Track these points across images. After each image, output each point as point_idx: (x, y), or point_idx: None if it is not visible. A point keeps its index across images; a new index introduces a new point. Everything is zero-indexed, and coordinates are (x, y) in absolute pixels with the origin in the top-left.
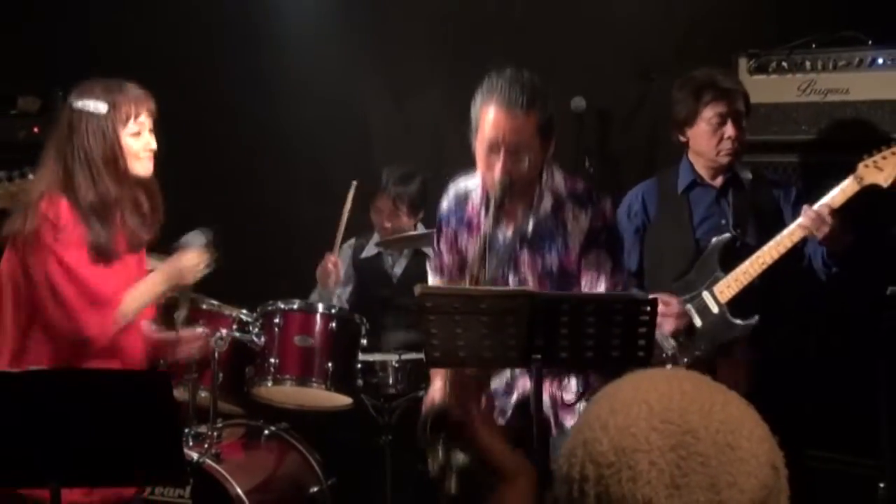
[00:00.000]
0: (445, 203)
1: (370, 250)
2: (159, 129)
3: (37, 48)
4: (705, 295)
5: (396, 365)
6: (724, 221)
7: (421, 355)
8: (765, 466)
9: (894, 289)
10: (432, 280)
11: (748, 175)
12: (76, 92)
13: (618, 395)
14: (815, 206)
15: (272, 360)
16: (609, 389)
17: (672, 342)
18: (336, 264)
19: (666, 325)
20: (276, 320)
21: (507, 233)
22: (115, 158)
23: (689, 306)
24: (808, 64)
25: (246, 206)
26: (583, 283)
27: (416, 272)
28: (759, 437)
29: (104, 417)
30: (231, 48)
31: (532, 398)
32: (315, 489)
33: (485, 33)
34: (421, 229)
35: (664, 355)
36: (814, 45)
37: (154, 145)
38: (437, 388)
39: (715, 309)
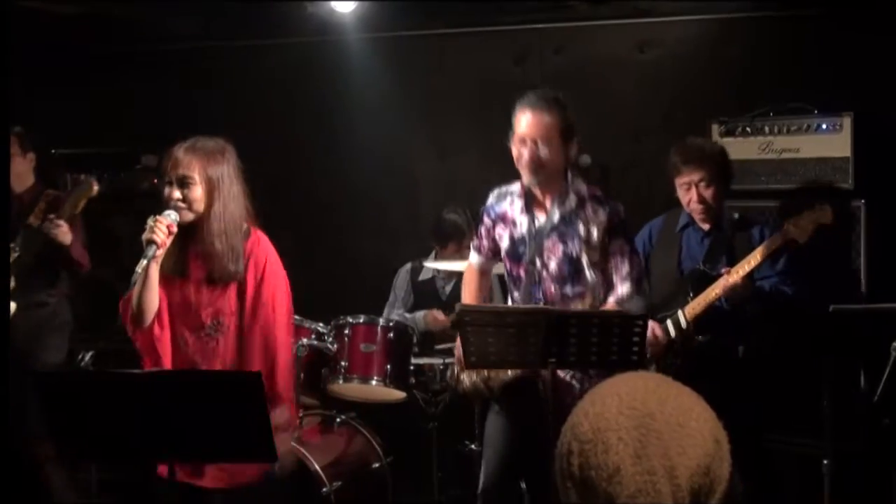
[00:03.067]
0: (490, 199)
1: (426, 273)
2: (257, 183)
3: (156, 113)
4: (679, 314)
5: (441, 367)
6: (700, 258)
7: None
8: (708, 440)
9: (836, 307)
10: (472, 257)
11: (734, 217)
12: None
13: (599, 390)
14: (733, 271)
15: (343, 363)
16: (597, 387)
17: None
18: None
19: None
20: (346, 331)
21: (539, 220)
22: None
23: (668, 321)
24: (766, 129)
25: (323, 244)
26: (611, 264)
27: (459, 291)
28: (704, 418)
29: (211, 408)
30: (311, 117)
31: (549, 392)
32: (377, 465)
33: (509, 102)
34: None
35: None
36: (771, 114)
37: (175, 195)
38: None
39: (684, 324)
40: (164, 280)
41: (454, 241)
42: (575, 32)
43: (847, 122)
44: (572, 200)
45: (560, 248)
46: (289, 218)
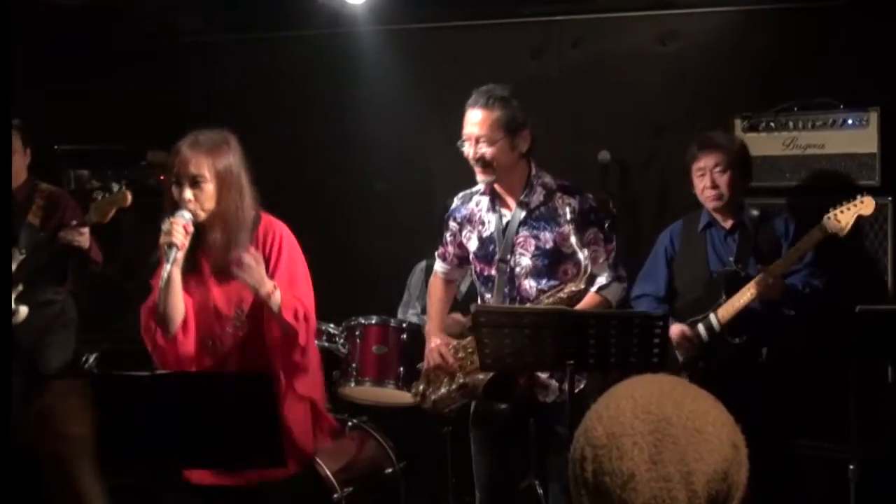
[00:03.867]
0: (454, 202)
1: None
2: (266, 180)
3: (161, 108)
4: (711, 316)
5: None
6: (731, 258)
7: None
8: (725, 445)
9: (862, 307)
10: (437, 266)
11: (754, 214)
12: None
13: (614, 393)
14: (770, 269)
15: (354, 365)
16: (611, 390)
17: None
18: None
19: (678, 350)
20: (358, 332)
21: (506, 216)
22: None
23: (699, 325)
24: (791, 124)
25: (334, 241)
26: (586, 253)
27: (475, 291)
28: (721, 422)
29: (218, 410)
30: (322, 112)
31: (567, 396)
32: (389, 470)
33: (526, 95)
34: None
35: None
36: (796, 109)
37: (187, 196)
38: (430, 347)
39: (717, 328)
40: (187, 295)
41: None
42: (594, 24)
43: (874, 117)
44: (539, 193)
45: (532, 242)
46: (298, 215)
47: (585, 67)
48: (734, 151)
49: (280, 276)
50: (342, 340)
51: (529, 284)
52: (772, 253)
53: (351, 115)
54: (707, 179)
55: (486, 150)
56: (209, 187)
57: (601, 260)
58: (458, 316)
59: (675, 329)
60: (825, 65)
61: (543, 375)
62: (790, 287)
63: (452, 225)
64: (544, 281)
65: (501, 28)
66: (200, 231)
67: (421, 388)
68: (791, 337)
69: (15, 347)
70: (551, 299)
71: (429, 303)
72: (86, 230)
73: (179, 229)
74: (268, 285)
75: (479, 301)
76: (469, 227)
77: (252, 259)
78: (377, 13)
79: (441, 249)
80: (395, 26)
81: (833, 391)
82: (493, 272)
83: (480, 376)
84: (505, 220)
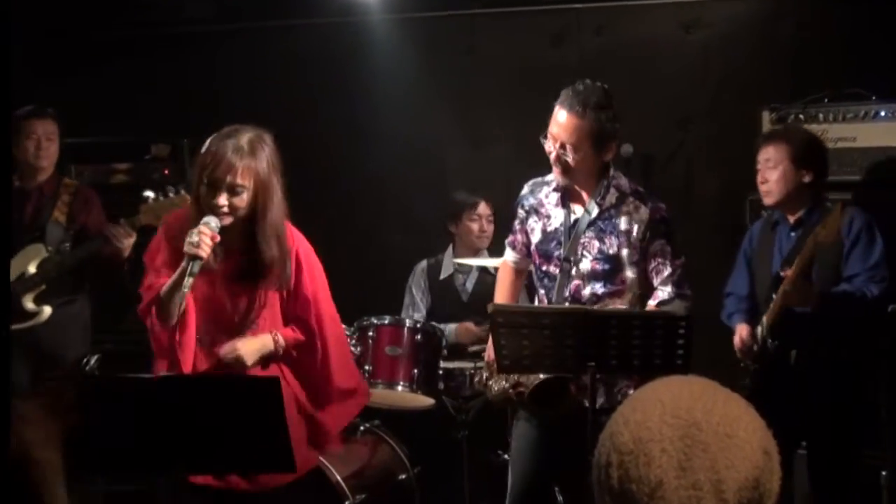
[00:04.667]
0: (524, 189)
1: (446, 270)
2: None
3: (167, 101)
4: (763, 319)
5: (472, 371)
6: (781, 256)
7: None
8: (757, 451)
9: (894, 306)
10: (507, 254)
11: (828, 207)
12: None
13: (639, 396)
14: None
15: (367, 367)
16: (637, 393)
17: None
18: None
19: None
20: (370, 333)
21: (575, 214)
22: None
23: (759, 328)
24: (821, 116)
25: (344, 235)
26: (650, 266)
27: (482, 290)
28: (753, 428)
29: (224, 414)
30: (333, 104)
31: (589, 398)
32: (403, 476)
33: (545, 87)
34: (487, 256)
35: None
36: (826, 100)
37: (222, 202)
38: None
39: (760, 331)
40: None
41: (467, 211)
42: (616, 12)
43: None
44: (612, 195)
45: (596, 244)
46: (308, 211)
47: (607, 57)
48: (793, 145)
49: (300, 292)
50: (354, 341)
51: (587, 288)
52: (832, 251)
53: (363, 108)
54: (760, 174)
55: (569, 157)
56: (246, 196)
57: (665, 273)
58: (470, 325)
59: (737, 331)
60: (856, 54)
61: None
62: (831, 294)
63: (520, 212)
64: (600, 286)
65: (519, 16)
66: (228, 232)
67: (485, 376)
68: (816, 339)
69: (32, 347)
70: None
71: (497, 289)
72: (133, 234)
73: (207, 241)
74: (265, 350)
75: (536, 299)
76: (535, 217)
77: (234, 354)
78: (390, 1)
79: (511, 237)
80: (409, 14)
81: (865, 394)
82: (554, 270)
83: (534, 378)
84: (573, 218)
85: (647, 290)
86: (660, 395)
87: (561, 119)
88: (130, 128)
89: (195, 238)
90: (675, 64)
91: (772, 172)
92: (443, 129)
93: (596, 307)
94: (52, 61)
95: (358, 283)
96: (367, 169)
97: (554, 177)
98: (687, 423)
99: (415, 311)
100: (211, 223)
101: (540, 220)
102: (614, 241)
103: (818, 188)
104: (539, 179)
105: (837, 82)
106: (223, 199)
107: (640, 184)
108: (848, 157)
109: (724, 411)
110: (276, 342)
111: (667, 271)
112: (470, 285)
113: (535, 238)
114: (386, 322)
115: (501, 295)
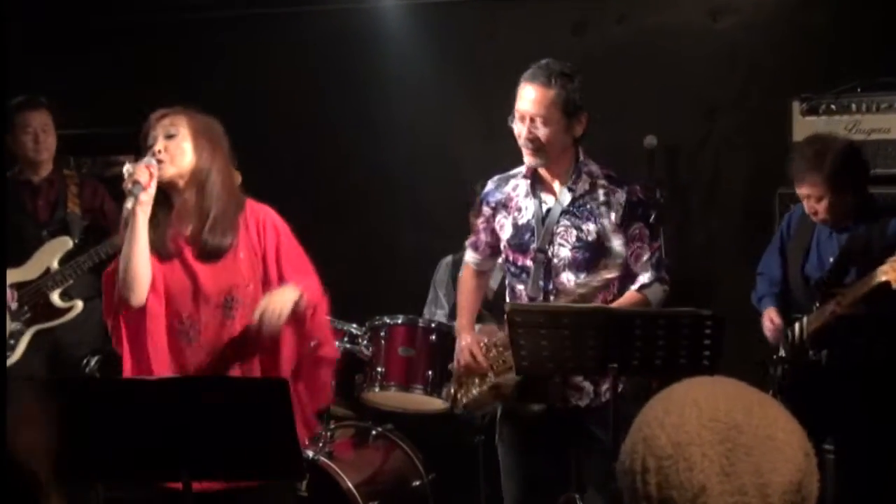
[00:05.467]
0: (489, 185)
1: None
2: (282, 166)
3: (168, 90)
4: (804, 320)
5: None
6: (831, 258)
7: None
8: (798, 453)
9: None
10: (468, 256)
11: (877, 207)
12: None
13: (671, 397)
14: (841, 300)
15: (379, 369)
16: (662, 394)
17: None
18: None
19: (769, 336)
20: (383, 333)
21: (547, 204)
22: None
23: (796, 324)
24: (853, 106)
25: (355, 232)
26: (629, 250)
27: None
28: (791, 429)
29: (231, 419)
30: (343, 93)
31: (610, 401)
32: (417, 483)
33: None
34: None
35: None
36: (859, 90)
37: (157, 147)
38: (461, 345)
39: (798, 334)
40: (157, 262)
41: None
42: None
43: None
44: (584, 182)
45: (573, 233)
46: (318, 206)
47: (631, 45)
48: (832, 171)
49: (287, 264)
50: (366, 342)
51: (567, 277)
52: (882, 256)
53: (375, 98)
54: (807, 205)
55: (540, 132)
56: (184, 144)
57: (644, 258)
58: (492, 327)
59: (766, 314)
60: (889, 41)
61: (577, 378)
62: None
63: (486, 210)
64: (583, 275)
65: (541, 3)
66: (178, 206)
67: (452, 390)
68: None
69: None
70: (584, 290)
71: (459, 297)
72: None
73: (143, 169)
74: (295, 296)
75: (508, 295)
76: (504, 213)
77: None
78: None
79: (472, 238)
80: (424, 0)
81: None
82: (529, 263)
83: (513, 376)
84: (546, 208)
85: (625, 273)
86: (694, 395)
87: (528, 94)
88: (130, 118)
89: (128, 168)
90: (702, 52)
91: (817, 205)
92: (459, 120)
93: (580, 292)
94: (50, 49)
95: (369, 281)
96: (377, 162)
97: (522, 167)
98: (727, 426)
99: (437, 308)
100: (150, 160)
101: (510, 214)
102: (592, 227)
103: (864, 198)
104: (504, 174)
105: (870, 71)
106: (159, 144)
107: (665, 176)
108: (883, 150)
109: (762, 413)
110: (301, 294)
111: (645, 255)
112: (495, 284)
113: (506, 234)
114: (399, 322)
115: (465, 298)
